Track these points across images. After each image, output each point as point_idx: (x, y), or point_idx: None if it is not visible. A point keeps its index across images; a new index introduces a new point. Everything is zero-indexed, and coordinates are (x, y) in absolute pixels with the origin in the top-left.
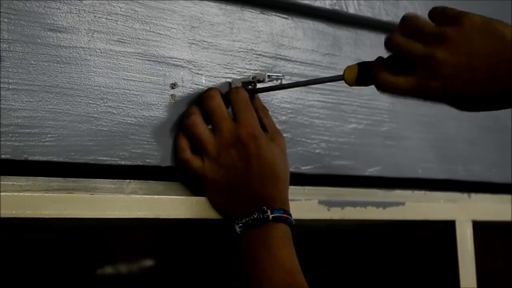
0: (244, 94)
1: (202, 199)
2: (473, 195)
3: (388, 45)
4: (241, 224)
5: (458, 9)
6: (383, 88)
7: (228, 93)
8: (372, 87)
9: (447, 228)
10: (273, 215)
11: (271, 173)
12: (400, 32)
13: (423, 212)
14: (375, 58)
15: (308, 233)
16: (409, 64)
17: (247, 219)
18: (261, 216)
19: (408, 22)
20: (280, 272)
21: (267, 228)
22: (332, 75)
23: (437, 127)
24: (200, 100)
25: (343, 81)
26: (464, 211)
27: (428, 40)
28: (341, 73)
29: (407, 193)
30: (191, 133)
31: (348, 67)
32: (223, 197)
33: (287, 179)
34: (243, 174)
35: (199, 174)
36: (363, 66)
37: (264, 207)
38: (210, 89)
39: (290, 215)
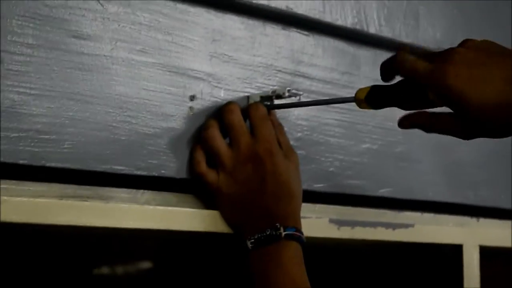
0: (263, 110)
1: (214, 213)
2: (481, 220)
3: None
4: (253, 240)
5: None
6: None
7: (248, 108)
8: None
9: (455, 252)
10: (285, 232)
11: (285, 190)
12: None
13: (432, 235)
14: None
15: (318, 250)
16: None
17: (259, 236)
18: (274, 233)
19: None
20: None
21: (279, 245)
22: (349, 94)
23: (450, 151)
24: (220, 114)
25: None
26: (472, 236)
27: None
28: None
29: (417, 215)
30: (209, 146)
31: (361, 88)
32: (236, 212)
33: (300, 197)
34: (258, 189)
35: (214, 188)
36: (376, 88)
37: (277, 224)
38: (230, 103)
39: (302, 233)
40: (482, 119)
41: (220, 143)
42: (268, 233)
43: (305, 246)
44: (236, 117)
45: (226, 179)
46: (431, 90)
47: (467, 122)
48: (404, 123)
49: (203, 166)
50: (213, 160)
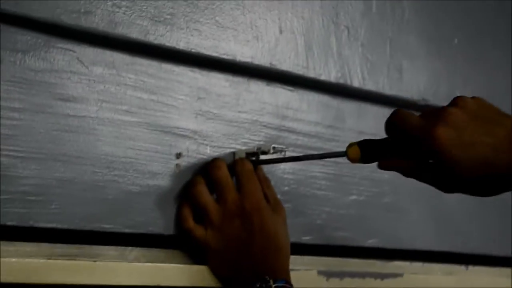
0: (249, 166)
1: (203, 268)
2: (470, 267)
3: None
4: None
5: None
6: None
7: (234, 164)
8: None
9: None
10: (275, 285)
11: (273, 244)
12: None
13: (421, 284)
14: (377, 130)
15: None
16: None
17: None
18: (264, 286)
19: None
20: None
21: None
22: (334, 147)
23: (437, 199)
24: (207, 170)
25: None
26: (461, 284)
27: (438, 109)
28: (343, 146)
29: (405, 264)
30: (196, 202)
31: (351, 144)
32: (225, 267)
33: (288, 250)
34: (246, 245)
35: (202, 243)
36: (365, 143)
37: (267, 277)
38: (216, 160)
39: (291, 285)
40: (466, 181)
41: (207, 199)
42: (258, 286)
43: None
44: (223, 173)
45: (214, 234)
46: (421, 143)
47: (450, 179)
48: (384, 164)
49: (190, 222)
50: (201, 216)
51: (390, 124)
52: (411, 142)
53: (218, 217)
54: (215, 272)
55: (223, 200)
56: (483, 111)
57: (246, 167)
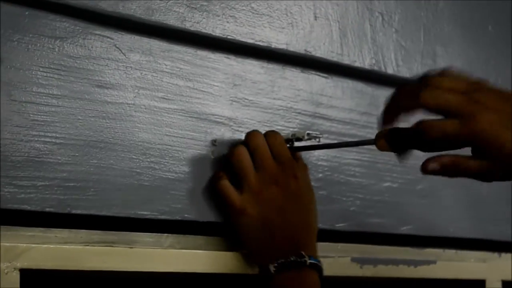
0: (281, 137)
1: (237, 255)
2: (503, 254)
3: (423, 100)
4: (276, 265)
5: None
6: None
7: (266, 137)
8: None
9: (478, 287)
10: (310, 261)
11: (306, 219)
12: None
13: (454, 271)
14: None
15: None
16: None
17: (283, 261)
18: (299, 260)
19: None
20: None
21: (302, 272)
22: (368, 134)
23: (470, 187)
24: (244, 139)
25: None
26: (494, 271)
27: (466, 89)
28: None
29: (439, 251)
30: (236, 165)
31: (379, 134)
32: (258, 234)
33: (316, 230)
34: (282, 213)
35: (237, 207)
36: (394, 131)
37: (302, 252)
38: (253, 130)
39: (322, 264)
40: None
41: (247, 163)
42: (292, 259)
43: (326, 282)
44: (261, 141)
45: (251, 198)
46: (465, 143)
47: (496, 165)
48: (427, 170)
49: (226, 183)
50: (239, 178)
51: (422, 134)
52: (455, 139)
53: (257, 182)
54: (246, 239)
55: (261, 166)
56: (499, 91)
57: (279, 138)
